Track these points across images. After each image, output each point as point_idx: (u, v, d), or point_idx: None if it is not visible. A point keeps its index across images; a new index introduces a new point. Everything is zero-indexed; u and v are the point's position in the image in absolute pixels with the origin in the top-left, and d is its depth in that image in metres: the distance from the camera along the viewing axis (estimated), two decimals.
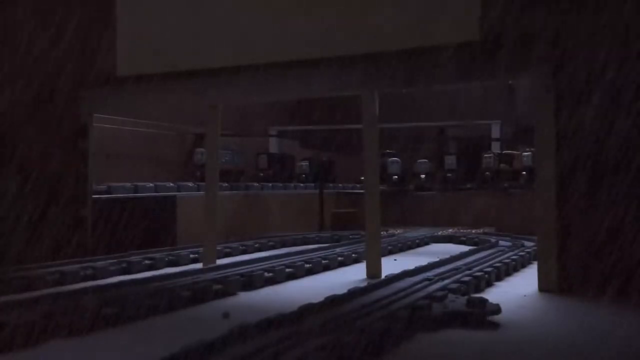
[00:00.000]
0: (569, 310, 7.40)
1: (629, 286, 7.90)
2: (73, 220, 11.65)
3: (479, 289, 8.38)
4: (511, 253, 11.18)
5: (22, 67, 12.00)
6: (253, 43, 10.37)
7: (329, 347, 4.91)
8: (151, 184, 14.19)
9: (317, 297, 6.72)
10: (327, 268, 10.72)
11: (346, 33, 9.69)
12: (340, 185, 21.40)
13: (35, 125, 11.98)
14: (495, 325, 6.41)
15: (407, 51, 9.35)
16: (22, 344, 5.70)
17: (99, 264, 10.01)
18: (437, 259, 9.98)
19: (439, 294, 7.12)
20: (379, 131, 10.12)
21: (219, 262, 10.89)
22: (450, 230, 16.90)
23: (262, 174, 19.89)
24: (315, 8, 10.00)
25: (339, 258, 11.26)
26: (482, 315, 6.45)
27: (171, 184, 14.76)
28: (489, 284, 8.84)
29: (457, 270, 8.94)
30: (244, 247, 13.28)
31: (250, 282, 8.77)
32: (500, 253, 11.23)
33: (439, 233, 16.44)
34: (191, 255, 11.59)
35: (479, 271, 8.85)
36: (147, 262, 10.70)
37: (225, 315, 6.91)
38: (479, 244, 13.82)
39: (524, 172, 18.27)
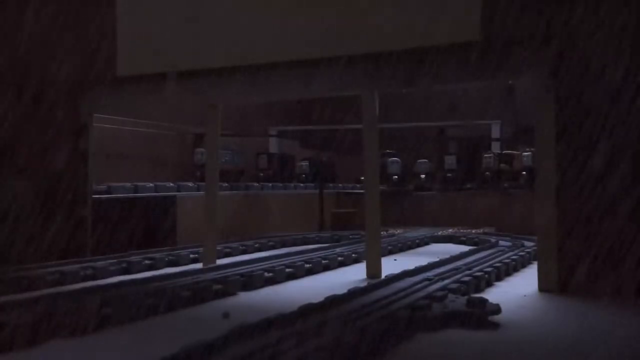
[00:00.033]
0: (569, 310, 7.40)
1: (629, 286, 7.90)
2: (73, 220, 11.65)
3: (479, 289, 8.38)
4: (511, 253, 11.18)
5: (22, 67, 12.00)
6: (253, 43, 10.37)
7: (329, 347, 4.91)
8: (151, 184, 14.19)
9: (317, 297, 6.72)
10: (327, 268, 10.72)
11: (346, 33, 9.68)
12: (340, 185, 21.41)
13: (35, 125, 11.98)
14: (495, 325, 6.41)
15: (407, 51, 9.35)
16: (22, 344, 5.70)
17: (99, 264, 10.01)
18: (437, 259, 9.97)
19: (439, 294, 7.12)
20: (379, 131, 10.13)
21: (219, 262, 10.89)
22: (450, 230, 16.91)
23: (262, 174, 19.90)
24: (316, 8, 9.99)
25: (339, 258, 11.26)
26: (482, 315, 6.45)
27: (171, 184, 14.76)
28: (489, 284, 8.85)
29: (457, 270, 8.94)
30: (244, 247, 13.28)
31: (250, 282, 8.77)
32: (500, 253, 11.23)
33: (439, 233, 16.45)
34: (191, 255, 11.59)
35: (479, 271, 8.85)
36: (147, 262, 10.70)
37: (225, 315, 6.91)
38: (479, 244, 13.82)
39: (524, 172, 18.28)
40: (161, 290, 7.60)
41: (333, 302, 6.54)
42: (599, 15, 8.13)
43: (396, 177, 20.85)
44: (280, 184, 19.01)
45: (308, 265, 10.20)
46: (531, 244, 12.31)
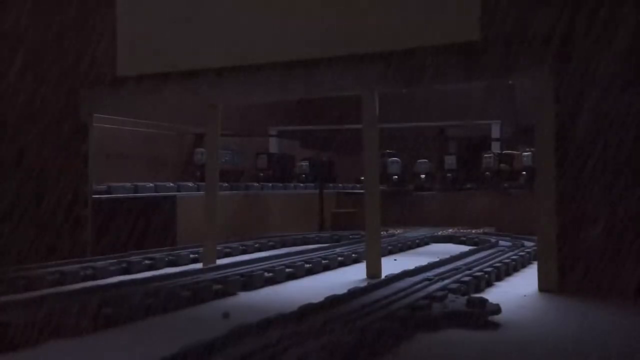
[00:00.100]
0: (569, 310, 7.40)
1: (629, 286, 7.90)
2: (73, 220, 11.65)
3: (479, 289, 8.38)
4: (511, 253, 11.18)
5: (22, 67, 12.00)
6: (253, 43, 10.37)
7: (329, 347, 4.90)
8: (151, 184, 14.18)
9: (317, 297, 6.72)
10: (327, 268, 10.72)
11: (346, 33, 9.69)
12: (340, 185, 21.40)
13: (35, 125, 11.98)
14: (495, 325, 6.42)
15: (407, 51, 9.35)
16: (22, 344, 5.70)
17: (99, 264, 10.00)
18: (437, 259, 9.97)
19: (439, 294, 7.12)
20: (379, 131, 10.13)
21: (219, 262, 10.89)
22: (450, 230, 16.90)
23: (262, 174, 19.88)
24: (316, 8, 10.00)
25: (339, 258, 11.26)
26: (482, 315, 6.45)
27: (171, 184, 14.75)
28: (489, 284, 8.85)
29: (457, 270, 8.94)
30: (244, 247, 13.28)
31: (250, 282, 8.77)
32: (500, 253, 11.23)
33: (439, 233, 16.44)
34: (191, 255, 11.59)
35: (479, 271, 8.85)
36: (147, 262, 10.70)
37: (225, 315, 6.91)
38: (479, 244, 13.82)
39: (524, 172, 18.26)
40: (161, 290, 7.60)
41: (333, 302, 6.55)
42: (599, 15, 8.13)
43: (396, 177, 20.84)
44: (280, 184, 19.01)
45: (308, 265, 10.20)
46: (531, 244, 12.31)
